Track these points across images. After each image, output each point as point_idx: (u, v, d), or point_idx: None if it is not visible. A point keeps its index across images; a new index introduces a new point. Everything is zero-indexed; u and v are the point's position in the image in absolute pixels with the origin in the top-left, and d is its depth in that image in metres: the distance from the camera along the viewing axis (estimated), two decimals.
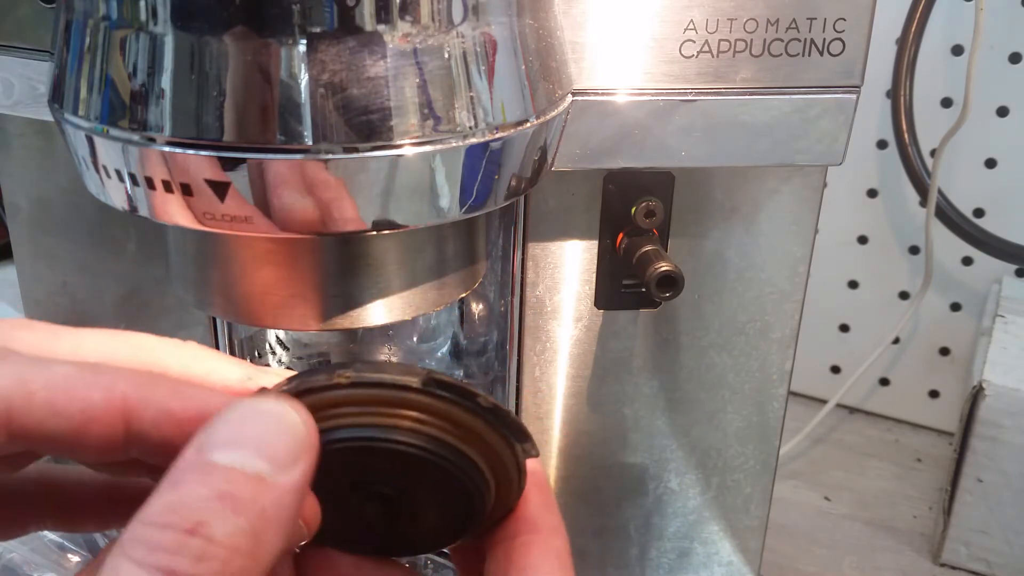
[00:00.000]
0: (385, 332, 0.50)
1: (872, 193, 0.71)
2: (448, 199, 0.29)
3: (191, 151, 0.27)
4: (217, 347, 0.44)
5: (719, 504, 0.47)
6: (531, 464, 0.26)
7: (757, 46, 0.35)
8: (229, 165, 0.27)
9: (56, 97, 0.30)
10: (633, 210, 0.39)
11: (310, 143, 0.26)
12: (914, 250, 0.71)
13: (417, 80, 0.27)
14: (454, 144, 0.28)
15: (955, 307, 0.72)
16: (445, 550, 0.28)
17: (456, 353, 0.51)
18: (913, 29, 0.63)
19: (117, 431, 0.21)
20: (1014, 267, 0.69)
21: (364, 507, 0.26)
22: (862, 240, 0.73)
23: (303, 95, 0.26)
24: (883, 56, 0.65)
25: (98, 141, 0.28)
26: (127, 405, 0.21)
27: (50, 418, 0.21)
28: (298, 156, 0.26)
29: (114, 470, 0.25)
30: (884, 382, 0.76)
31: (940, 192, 0.65)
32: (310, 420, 0.22)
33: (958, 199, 0.66)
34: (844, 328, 0.76)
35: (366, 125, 0.26)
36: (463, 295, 0.36)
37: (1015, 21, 0.63)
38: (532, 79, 0.30)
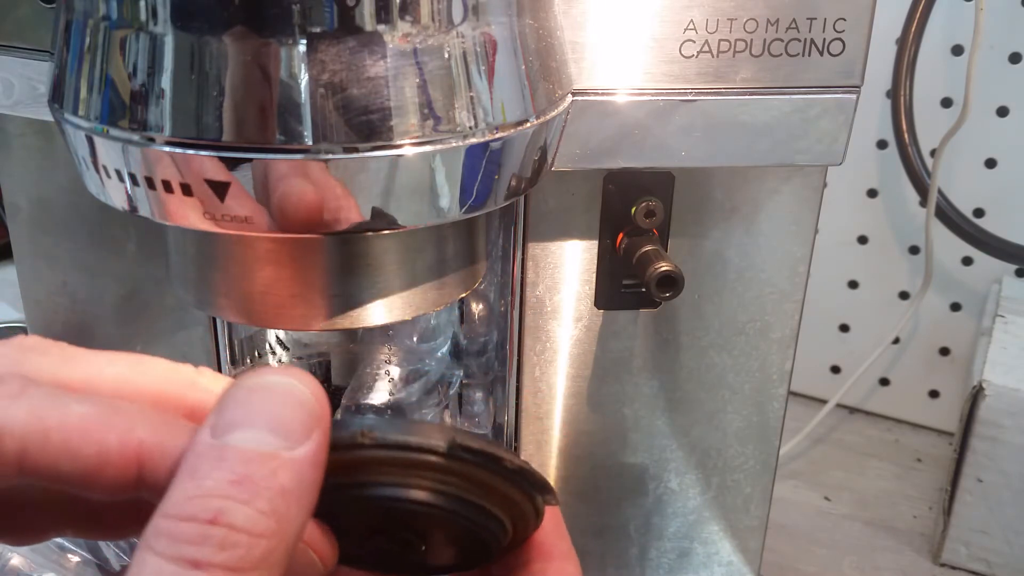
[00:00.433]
0: (385, 332, 0.50)
1: (872, 193, 0.71)
2: (448, 199, 0.29)
3: (191, 151, 0.27)
4: (217, 347, 0.44)
5: (719, 504, 0.47)
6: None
7: (757, 46, 0.35)
8: (229, 165, 0.27)
9: (56, 97, 0.30)
10: (633, 210, 0.39)
11: (310, 143, 0.26)
12: (914, 250, 0.71)
13: (417, 80, 0.27)
14: (454, 144, 0.28)
15: (955, 307, 0.72)
16: None
17: (456, 353, 0.51)
18: (913, 29, 0.63)
19: (130, 474, 0.21)
20: (1014, 267, 0.69)
21: (381, 542, 0.26)
22: (862, 240, 0.73)
23: (303, 95, 0.26)
24: (883, 56, 0.65)
25: (98, 141, 0.28)
26: (142, 450, 0.21)
27: (64, 458, 0.20)
28: (298, 156, 0.26)
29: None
30: (884, 382, 0.76)
31: (940, 192, 0.65)
32: (319, 388, 0.21)
33: (958, 199, 0.66)
34: (844, 328, 0.76)
35: (366, 125, 0.26)
36: (463, 295, 0.36)
37: (1015, 21, 0.63)
38: (532, 79, 0.30)
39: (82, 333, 0.47)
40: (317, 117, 0.26)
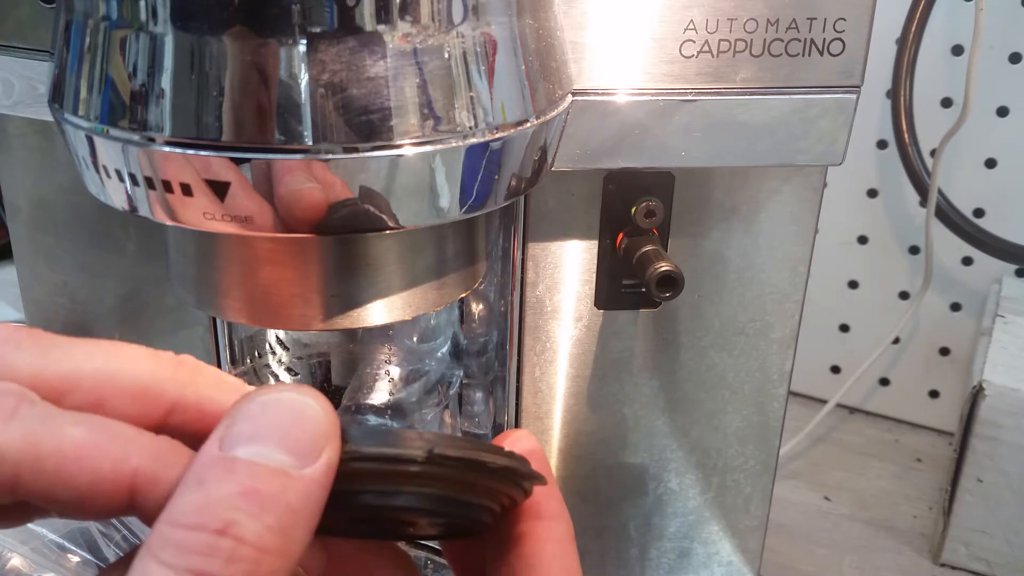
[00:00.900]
0: (385, 332, 0.50)
1: (872, 193, 0.71)
2: (448, 199, 0.29)
3: (191, 151, 0.27)
4: (217, 347, 0.44)
5: (719, 504, 0.47)
6: (530, 443, 0.27)
7: (757, 46, 0.35)
8: (229, 165, 0.27)
9: (56, 97, 0.30)
10: (633, 210, 0.39)
11: (310, 143, 0.26)
12: (914, 250, 0.71)
13: (417, 80, 0.27)
14: (454, 144, 0.28)
15: (955, 307, 0.72)
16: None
17: (456, 353, 0.51)
18: (913, 29, 0.62)
19: (122, 500, 0.21)
20: (1014, 267, 0.69)
21: (366, 528, 0.26)
22: (862, 240, 0.73)
23: (303, 95, 0.26)
24: (883, 56, 0.65)
25: (98, 141, 0.28)
26: (136, 477, 0.21)
27: (57, 484, 0.20)
28: (298, 156, 0.26)
29: None
30: (884, 382, 0.76)
31: (940, 192, 0.65)
32: (330, 408, 0.21)
33: (958, 199, 0.66)
34: (844, 328, 0.76)
35: (366, 125, 0.26)
36: (463, 295, 0.36)
37: (1015, 21, 0.63)
38: (532, 79, 0.30)
39: (82, 333, 0.47)
40: (317, 117, 0.26)
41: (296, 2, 0.25)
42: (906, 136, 0.65)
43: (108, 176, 0.29)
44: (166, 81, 0.27)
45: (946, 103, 0.66)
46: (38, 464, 0.20)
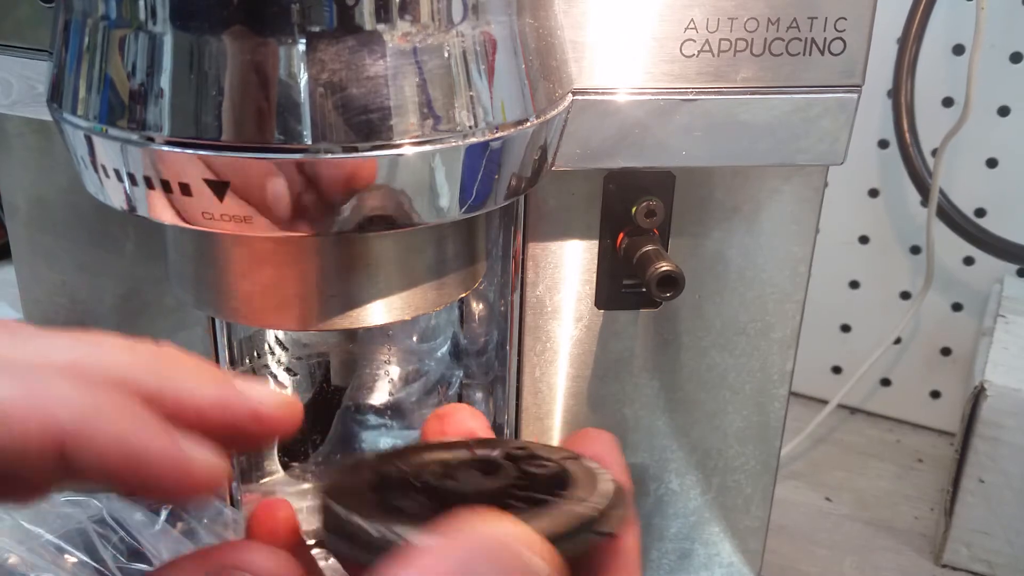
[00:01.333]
0: (385, 332, 0.50)
1: (873, 193, 0.71)
2: (448, 199, 0.29)
3: (190, 151, 0.27)
4: (216, 347, 0.44)
5: (720, 505, 0.47)
6: (602, 445, 0.26)
7: (758, 45, 0.35)
8: (228, 165, 0.27)
9: (55, 97, 0.30)
10: (633, 210, 0.39)
11: (309, 142, 0.26)
12: (915, 250, 0.71)
13: (417, 79, 0.27)
14: (454, 143, 0.28)
15: (956, 307, 0.72)
16: None
17: (456, 353, 0.51)
18: (914, 28, 0.62)
19: (52, 458, 0.20)
20: (1015, 267, 0.69)
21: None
22: (863, 240, 0.73)
23: (302, 94, 0.26)
24: (884, 56, 0.64)
25: (97, 141, 0.28)
26: (64, 436, 0.20)
27: None
28: (297, 156, 0.26)
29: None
30: (885, 382, 0.76)
31: (941, 192, 0.65)
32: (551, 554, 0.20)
33: (959, 199, 0.66)
34: (845, 328, 0.76)
35: (366, 124, 0.26)
36: (463, 295, 0.36)
37: (1016, 21, 0.63)
38: (532, 78, 0.30)
39: None
40: (316, 116, 0.26)
41: (296, 1, 0.25)
42: (907, 136, 0.65)
43: (107, 176, 0.29)
44: (165, 80, 0.26)
45: (947, 103, 0.66)
46: None
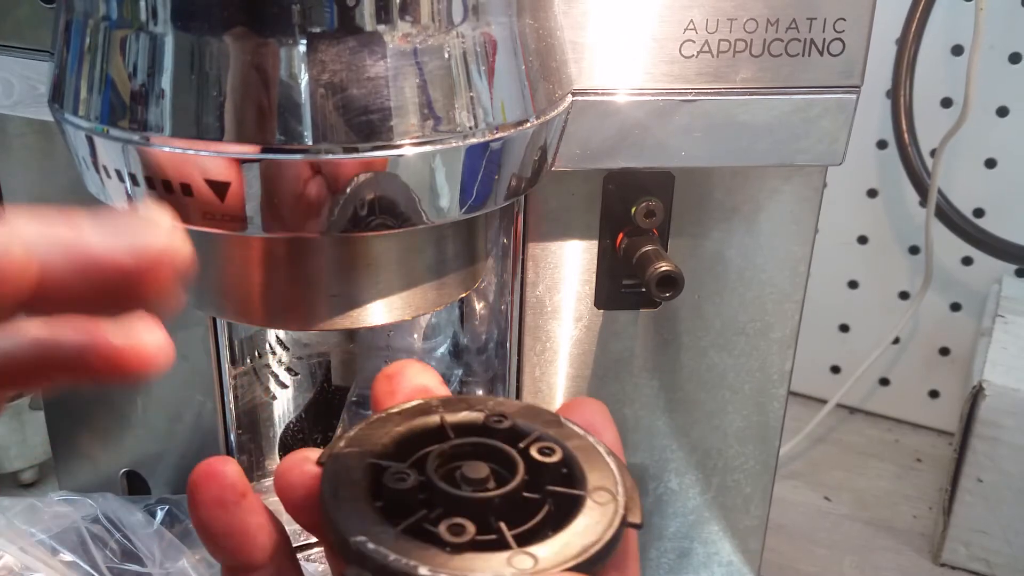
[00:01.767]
0: (385, 331, 0.50)
1: (872, 193, 0.71)
2: (448, 199, 0.29)
3: (191, 151, 0.27)
4: (217, 347, 0.44)
5: (719, 504, 0.47)
6: (592, 413, 0.26)
7: (757, 46, 0.35)
8: (229, 165, 0.27)
9: (56, 97, 0.30)
10: (633, 210, 0.39)
11: (310, 143, 0.26)
12: (914, 250, 0.71)
13: (417, 80, 0.27)
14: (454, 144, 0.28)
15: (955, 307, 0.72)
16: None
17: (456, 351, 0.51)
18: (913, 29, 0.62)
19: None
20: (1014, 267, 0.69)
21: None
22: (862, 240, 0.73)
23: (303, 95, 0.26)
24: (883, 56, 0.65)
25: (98, 141, 0.28)
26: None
27: None
28: (298, 156, 0.26)
29: None
30: (884, 382, 0.76)
31: (940, 192, 0.65)
32: None
33: (958, 199, 0.66)
34: (844, 328, 0.76)
35: (366, 125, 0.26)
36: (463, 295, 0.36)
37: (1015, 21, 0.63)
38: (532, 79, 0.30)
39: None
40: (317, 117, 0.26)
41: (296, 2, 0.25)
42: (906, 136, 0.65)
43: (108, 176, 0.29)
44: (166, 81, 0.27)
45: (946, 103, 0.66)
46: None
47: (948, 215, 0.66)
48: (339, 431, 0.49)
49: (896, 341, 0.73)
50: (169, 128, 0.27)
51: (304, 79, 0.26)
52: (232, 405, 0.46)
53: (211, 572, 0.43)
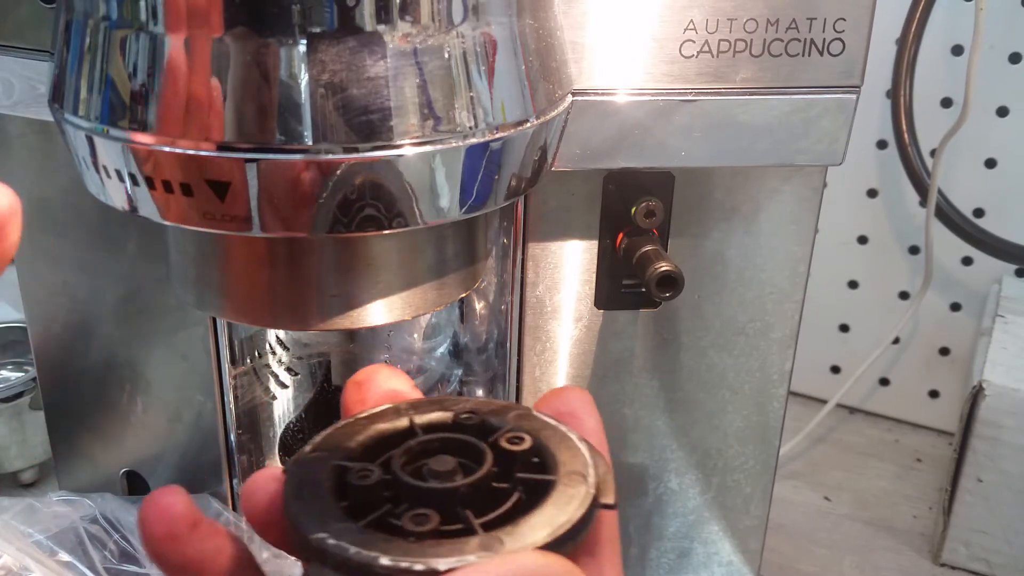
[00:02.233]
0: (385, 331, 0.50)
1: (872, 193, 0.71)
2: (448, 199, 0.29)
3: (191, 151, 0.27)
4: (217, 347, 0.44)
5: (719, 504, 0.47)
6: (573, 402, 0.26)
7: (757, 46, 0.35)
8: (229, 165, 0.27)
9: (56, 97, 0.30)
10: (633, 210, 0.39)
11: (310, 143, 0.26)
12: (914, 250, 0.71)
13: (417, 80, 0.27)
14: (454, 144, 0.28)
15: (955, 307, 0.72)
16: None
17: (456, 351, 0.51)
18: (913, 29, 0.62)
19: None
20: (1014, 267, 0.69)
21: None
22: (862, 240, 0.73)
23: (303, 95, 0.26)
24: (883, 56, 0.65)
25: (98, 141, 0.28)
26: None
27: None
28: (298, 156, 0.26)
29: None
30: (884, 382, 0.76)
31: (940, 192, 0.65)
32: None
33: (958, 199, 0.66)
34: (844, 328, 0.76)
35: (366, 125, 0.26)
36: (463, 295, 0.36)
37: (1015, 21, 0.63)
38: (532, 79, 0.30)
39: (82, 333, 0.47)
40: (317, 117, 0.26)
41: (296, 2, 0.25)
42: (906, 136, 0.65)
43: (108, 176, 0.29)
44: (166, 81, 0.26)
45: (946, 103, 0.66)
46: None
47: (948, 215, 0.66)
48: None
49: (896, 341, 0.73)
50: (169, 128, 0.27)
51: (304, 79, 0.26)
52: (232, 405, 0.46)
53: None
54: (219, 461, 0.47)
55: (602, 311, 0.42)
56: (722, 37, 0.34)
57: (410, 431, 0.24)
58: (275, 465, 0.51)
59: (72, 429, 0.50)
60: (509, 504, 0.22)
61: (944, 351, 0.73)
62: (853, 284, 0.74)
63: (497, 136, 0.29)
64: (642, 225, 0.39)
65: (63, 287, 0.46)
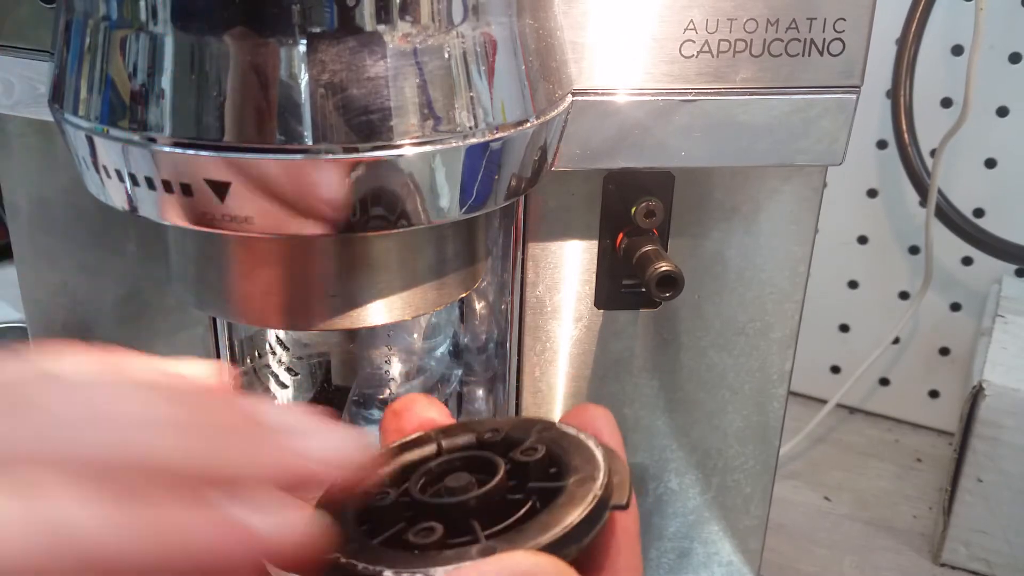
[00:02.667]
0: (385, 331, 0.50)
1: (872, 193, 0.71)
2: (448, 199, 0.29)
3: (191, 151, 0.27)
4: (217, 347, 0.44)
5: (719, 504, 0.47)
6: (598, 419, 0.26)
7: (757, 46, 0.35)
8: (229, 165, 0.27)
9: (56, 97, 0.30)
10: (633, 210, 0.39)
11: (310, 143, 0.26)
12: (914, 250, 0.71)
13: (417, 80, 0.27)
14: (454, 144, 0.28)
15: (955, 307, 0.72)
16: None
17: (456, 351, 0.51)
18: (913, 29, 0.63)
19: None
20: (1014, 267, 0.69)
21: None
22: (862, 240, 0.73)
23: (303, 95, 0.26)
24: (883, 56, 0.65)
25: (98, 141, 0.28)
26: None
27: None
28: (298, 156, 0.26)
29: None
30: (884, 382, 0.76)
31: (940, 192, 0.65)
32: None
33: (958, 199, 0.66)
34: (844, 328, 0.76)
35: (366, 125, 0.26)
36: (463, 295, 0.36)
37: (1015, 21, 0.63)
38: (532, 79, 0.30)
39: (82, 333, 0.47)
40: (317, 117, 0.26)
41: (296, 2, 0.25)
42: (906, 136, 0.65)
43: (108, 176, 0.29)
44: (166, 81, 0.27)
45: (946, 103, 0.66)
46: None
47: (948, 215, 0.66)
48: None
49: (896, 341, 0.73)
50: (169, 128, 0.27)
51: (304, 79, 0.26)
52: None
53: None
54: None
55: (602, 311, 0.42)
56: (722, 37, 0.34)
57: (438, 455, 0.25)
58: None
59: None
60: (521, 513, 0.22)
61: (944, 351, 0.73)
62: (853, 284, 0.74)
63: (497, 136, 0.29)
64: (642, 225, 0.39)
65: (63, 287, 0.46)
